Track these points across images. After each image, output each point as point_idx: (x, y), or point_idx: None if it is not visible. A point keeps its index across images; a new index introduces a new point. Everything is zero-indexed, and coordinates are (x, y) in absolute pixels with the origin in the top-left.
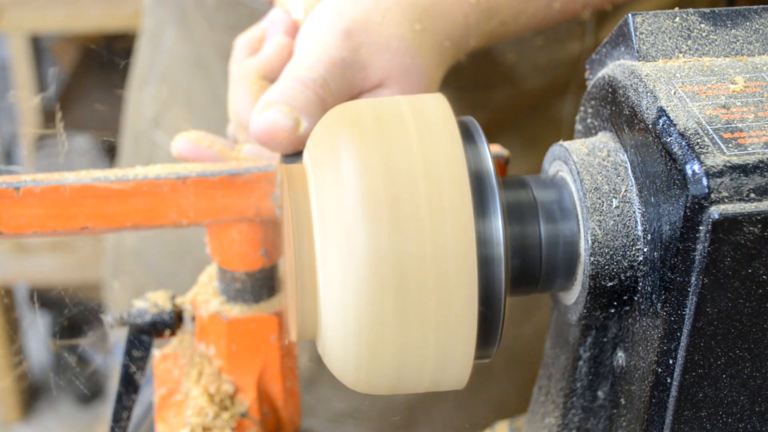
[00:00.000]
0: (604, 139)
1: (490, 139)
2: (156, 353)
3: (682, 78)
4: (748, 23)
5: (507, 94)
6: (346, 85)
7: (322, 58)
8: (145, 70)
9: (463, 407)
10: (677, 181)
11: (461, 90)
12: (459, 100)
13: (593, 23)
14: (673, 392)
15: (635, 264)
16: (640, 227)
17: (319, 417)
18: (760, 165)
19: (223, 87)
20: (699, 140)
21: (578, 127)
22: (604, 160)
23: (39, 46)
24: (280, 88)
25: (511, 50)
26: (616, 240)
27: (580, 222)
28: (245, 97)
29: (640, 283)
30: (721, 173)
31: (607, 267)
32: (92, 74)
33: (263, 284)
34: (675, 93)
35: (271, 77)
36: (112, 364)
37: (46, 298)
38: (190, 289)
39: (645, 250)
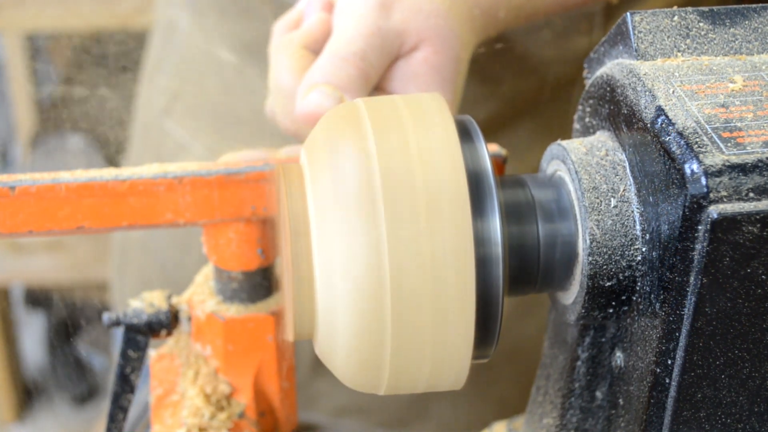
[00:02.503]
0: (603, 138)
1: (497, 132)
2: (152, 353)
3: (680, 77)
4: (747, 22)
5: (514, 87)
6: (385, 54)
7: (360, 30)
8: (157, 61)
9: (466, 403)
10: (676, 181)
11: (469, 83)
12: (466, 92)
13: (601, 18)
14: (672, 393)
15: (634, 264)
16: (638, 227)
17: (320, 410)
18: (759, 164)
19: (233, 76)
20: (698, 139)
21: (576, 126)
22: (602, 159)
23: (35, 45)
24: (321, 67)
25: (519, 44)
26: (615, 240)
27: (579, 221)
28: (286, 65)
29: (639, 283)
30: (720, 172)
31: (605, 267)
32: (88, 73)
33: (260, 284)
34: (674, 92)
35: (313, 48)
36: (108, 364)
37: (42, 298)
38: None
39: (643, 249)
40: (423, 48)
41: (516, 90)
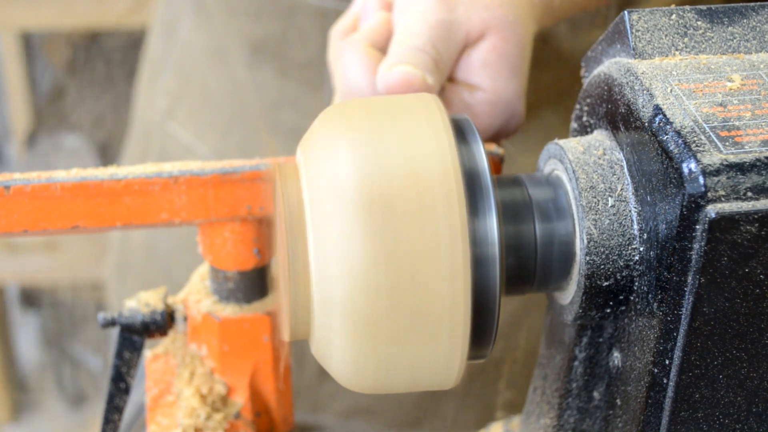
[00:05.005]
0: (600, 138)
1: None
2: (147, 353)
3: (678, 76)
4: (745, 20)
5: (531, 81)
6: (452, 44)
7: (424, 24)
8: (158, 63)
9: (474, 403)
10: (674, 180)
11: None
12: None
13: (615, 12)
14: (670, 393)
15: (631, 263)
16: (636, 226)
17: (329, 412)
18: (758, 163)
19: (243, 75)
20: (695, 138)
21: (574, 125)
22: (599, 158)
23: (30, 44)
24: (396, 55)
25: (536, 38)
26: (612, 239)
27: (576, 221)
28: (356, 63)
29: (636, 283)
30: (717, 172)
31: (602, 266)
32: (84, 72)
33: (256, 284)
34: (671, 91)
35: (379, 46)
36: (104, 365)
37: (37, 298)
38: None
39: (641, 249)
40: (489, 36)
41: (532, 84)
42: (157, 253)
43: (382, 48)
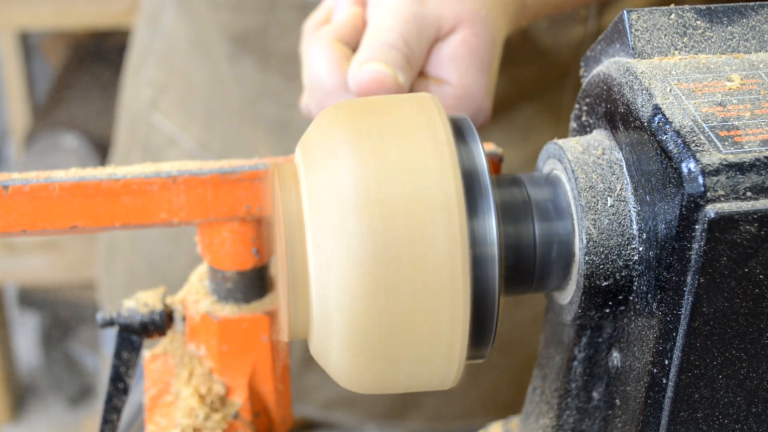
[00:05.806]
0: (599, 137)
1: (493, 120)
2: (146, 353)
3: (677, 75)
4: (744, 20)
5: (511, 76)
6: (423, 39)
7: (397, 19)
8: (142, 53)
9: (455, 394)
10: (673, 180)
11: None
12: None
13: (596, 7)
14: (669, 393)
15: (630, 263)
16: (635, 226)
17: (311, 403)
18: (757, 163)
19: (224, 67)
20: (695, 138)
21: (573, 125)
22: (599, 158)
23: (28, 44)
24: (368, 51)
25: (517, 32)
26: (611, 239)
27: (575, 221)
28: (321, 58)
29: (636, 283)
30: (717, 171)
31: (602, 266)
32: (82, 72)
33: (254, 284)
34: (671, 90)
35: (346, 41)
36: (100, 364)
37: (35, 298)
38: (184, 273)
39: (640, 249)
40: (460, 30)
41: (513, 78)
42: (141, 244)
43: (352, 43)
